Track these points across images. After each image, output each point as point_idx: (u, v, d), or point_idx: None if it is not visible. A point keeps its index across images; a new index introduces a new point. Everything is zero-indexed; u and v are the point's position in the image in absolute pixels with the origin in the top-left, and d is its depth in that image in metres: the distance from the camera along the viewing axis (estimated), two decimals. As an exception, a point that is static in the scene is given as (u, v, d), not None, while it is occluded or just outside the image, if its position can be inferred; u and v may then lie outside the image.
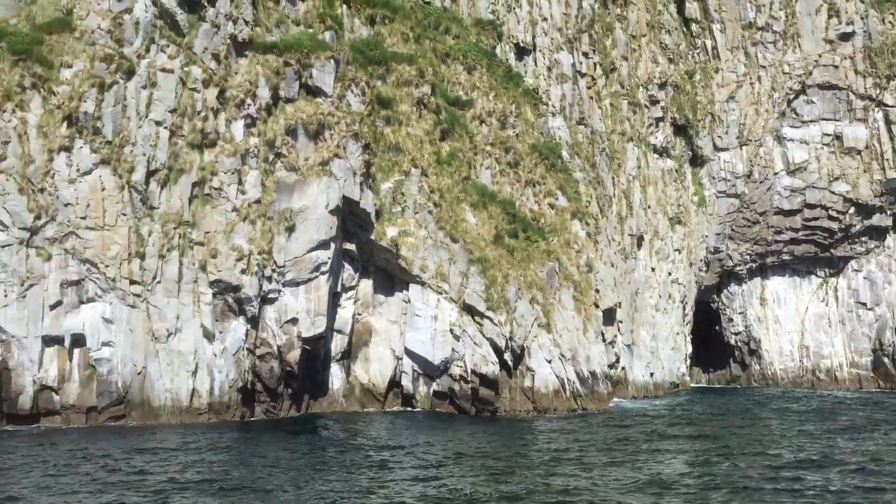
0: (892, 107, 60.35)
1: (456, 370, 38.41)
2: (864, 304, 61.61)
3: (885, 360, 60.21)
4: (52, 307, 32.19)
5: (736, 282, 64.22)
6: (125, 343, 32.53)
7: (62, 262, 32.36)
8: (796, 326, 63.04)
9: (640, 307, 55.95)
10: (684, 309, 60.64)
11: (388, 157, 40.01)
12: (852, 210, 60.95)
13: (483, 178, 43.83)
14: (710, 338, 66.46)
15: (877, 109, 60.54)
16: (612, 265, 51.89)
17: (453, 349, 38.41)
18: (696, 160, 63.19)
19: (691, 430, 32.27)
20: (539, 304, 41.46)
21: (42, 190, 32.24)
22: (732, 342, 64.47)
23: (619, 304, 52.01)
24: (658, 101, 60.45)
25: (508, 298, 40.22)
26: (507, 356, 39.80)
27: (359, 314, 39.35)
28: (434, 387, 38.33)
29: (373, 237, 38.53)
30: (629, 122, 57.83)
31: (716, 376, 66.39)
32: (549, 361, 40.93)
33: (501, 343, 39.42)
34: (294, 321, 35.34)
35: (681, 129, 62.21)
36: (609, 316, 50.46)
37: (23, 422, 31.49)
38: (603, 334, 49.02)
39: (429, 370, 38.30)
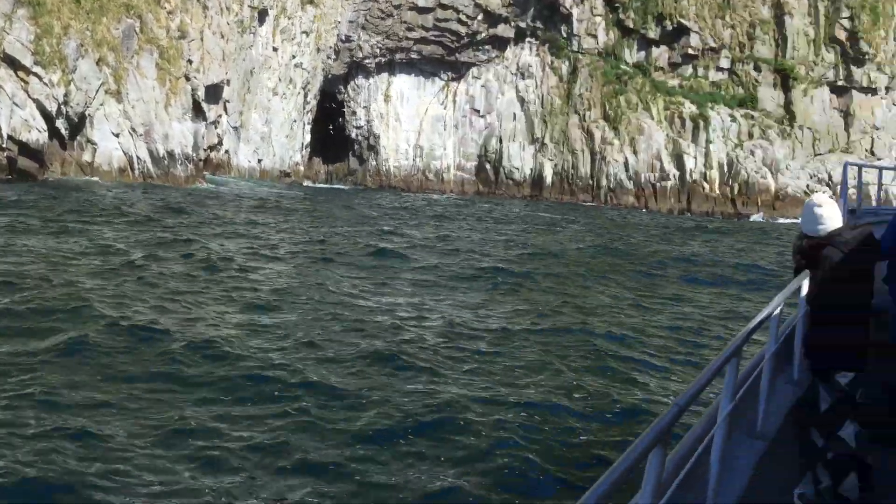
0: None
1: (-12, 134, 29.98)
2: (478, 111, 61.08)
3: (487, 166, 60.87)
4: None
5: (364, 75, 60.12)
6: None
7: None
8: (415, 126, 61.20)
9: (254, 88, 49.76)
10: (306, 96, 55.58)
11: None
12: (481, 16, 58.70)
13: None
14: (334, 129, 62.68)
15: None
16: (223, 37, 44.64)
17: (-16, 108, 29.74)
18: (338, -62, 56.32)
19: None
20: (109, 68, 33.60)
21: None
22: (353, 136, 61.26)
23: (228, 81, 45.44)
24: None
25: (66, 55, 31.83)
26: (61, 124, 32.01)
27: None
28: (-43, 152, 29.70)
29: None
30: None
31: (335, 168, 63.27)
32: (117, 135, 33.84)
33: (52, 108, 31.40)
34: None
35: None
36: (214, 93, 43.87)
37: None
38: (204, 112, 42.60)
39: (-51, 131, 29.44)
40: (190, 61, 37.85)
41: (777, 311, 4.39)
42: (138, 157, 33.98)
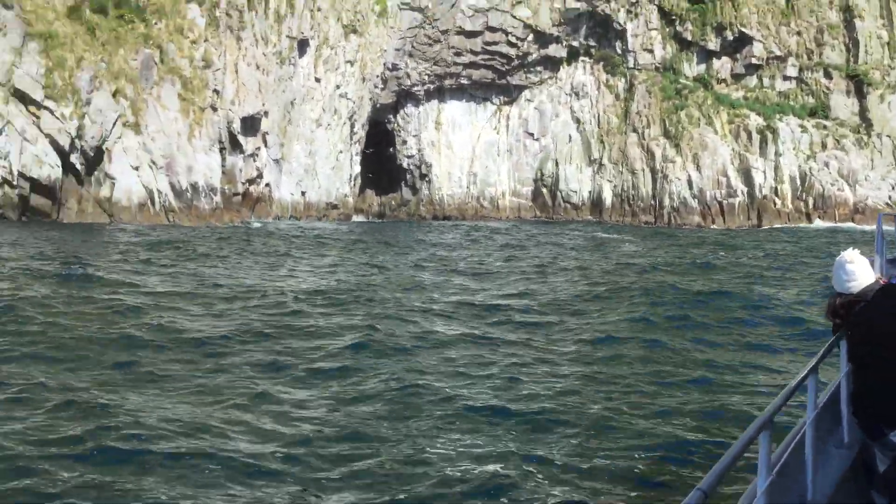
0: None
1: (-2, 172, 28.21)
2: (532, 135, 57.55)
3: (544, 190, 57.16)
4: None
5: (413, 103, 57.44)
6: None
7: None
8: (467, 153, 58.05)
9: (296, 120, 47.55)
10: (353, 127, 53.13)
11: None
12: (531, 37, 55.45)
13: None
14: (385, 159, 60.10)
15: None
16: (260, 68, 42.62)
17: (-7, 146, 28.00)
18: (381, -34, 54.16)
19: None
20: (127, 100, 31.62)
21: None
22: (405, 165, 58.49)
23: (266, 112, 43.34)
24: None
25: (79, 88, 29.96)
26: (76, 159, 30.07)
27: None
28: (-33, 191, 28.00)
29: None
30: None
31: (387, 200, 60.55)
32: (136, 169, 31.73)
33: (65, 142, 29.49)
34: None
35: (365, -72, 52.48)
36: (251, 125, 41.81)
37: None
38: (241, 145, 40.55)
39: (-42, 170, 27.79)
40: (217, 91, 35.71)
41: (812, 375, 3.95)
42: (159, 191, 31.82)
